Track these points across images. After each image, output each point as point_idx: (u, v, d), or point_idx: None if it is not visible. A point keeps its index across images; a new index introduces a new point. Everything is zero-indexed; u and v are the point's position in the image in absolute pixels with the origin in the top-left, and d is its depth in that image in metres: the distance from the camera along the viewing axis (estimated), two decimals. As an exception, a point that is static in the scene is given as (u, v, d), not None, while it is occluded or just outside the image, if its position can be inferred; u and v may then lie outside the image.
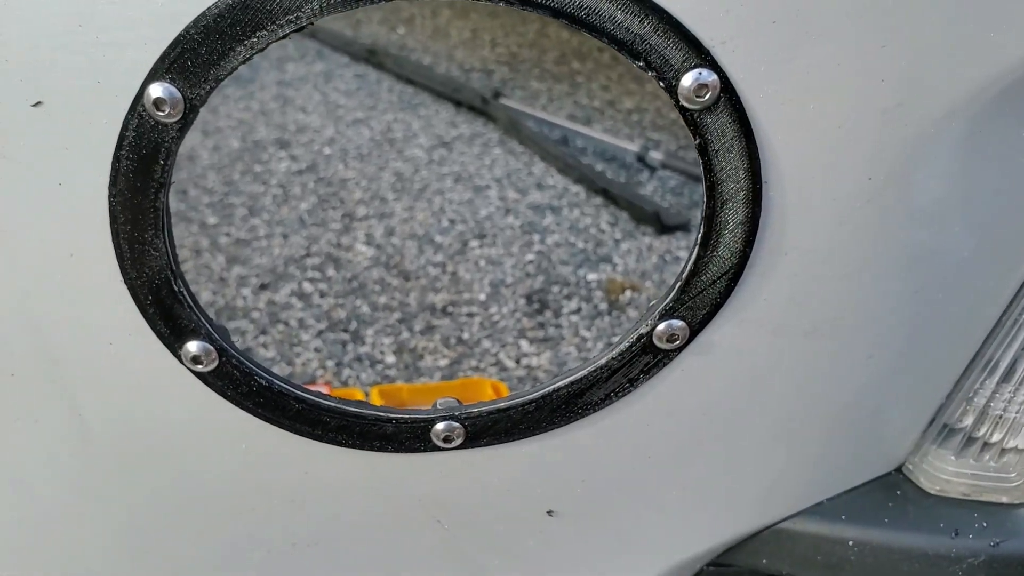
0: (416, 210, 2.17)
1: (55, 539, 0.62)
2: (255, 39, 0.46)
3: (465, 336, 1.74)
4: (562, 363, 1.71)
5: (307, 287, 1.85)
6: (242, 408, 0.55)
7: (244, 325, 1.73)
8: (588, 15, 0.45)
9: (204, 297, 1.80)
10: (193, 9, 0.45)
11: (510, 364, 1.69)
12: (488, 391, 1.48)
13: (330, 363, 1.66)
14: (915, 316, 0.57)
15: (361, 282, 1.88)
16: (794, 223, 0.51)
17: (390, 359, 1.67)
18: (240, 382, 0.54)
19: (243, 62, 0.47)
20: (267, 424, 0.56)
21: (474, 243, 2.05)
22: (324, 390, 1.55)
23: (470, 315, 1.81)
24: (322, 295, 1.82)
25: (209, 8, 0.45)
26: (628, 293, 1.90)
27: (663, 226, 2.06)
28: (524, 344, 1.76)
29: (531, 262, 2.02)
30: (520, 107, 2.63)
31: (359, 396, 1.44)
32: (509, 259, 2.01)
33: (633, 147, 2.36)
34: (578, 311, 1.86)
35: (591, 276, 1.97)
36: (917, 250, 0.54)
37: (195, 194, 2.20)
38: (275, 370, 1.64)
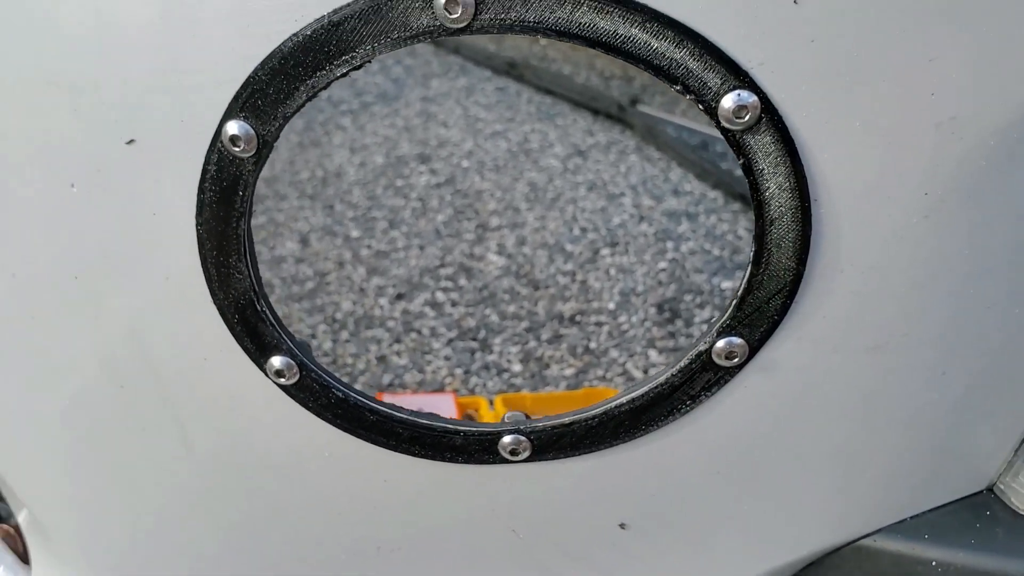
0: (548, 219, 2.20)
1: (161, 540, 0.67)
2: (316, 79, 0.49)
3: (592, 345, 1.75)
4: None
5: (440, 296, 1.91)
6: (322, 419, 0.59)
7: (380, 334, 1.79)
8: (624, 43, 0.46)
9: (344, 307, 1.88)
10: (261, 51, 0.49)
11: (637, 374, 1.69)
12: (611, 401, 1.49)
13: (458, 371, 1.70)
14: (992, 330, 0.56)
15: (491, 291, 1.92)
16: (849, 240, 0.51)
17: (516, 367, 1.70)
18: (320, 395, 0.58)
19: (308, 100, 0.50)
20: (346, 434, 0.59)
21: (605, 251, 2.06)
22: (450, 398, 1.60)
23: (598, 324, 1.82)
24: (453, 304, 1.88)
25: (275, 50, 0.49)
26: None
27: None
28: (653, 354, 1.76)
29: (664, 270, 2.01)
30: (658, 113, 2.62)
31: (483, 404, 1.48)
32: (641, 267, 2.01)
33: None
34: (710, 320, 1.84)
35: (726, 284, 1.95)
36: (985, 263, 0.53)
37: (340, 209, 2.30)
38: (406, 377, 1.71)
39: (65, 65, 0.52)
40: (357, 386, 0.69)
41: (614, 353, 1.76)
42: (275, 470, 0.62)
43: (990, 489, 0.64)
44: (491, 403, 1.52)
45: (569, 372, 1.70)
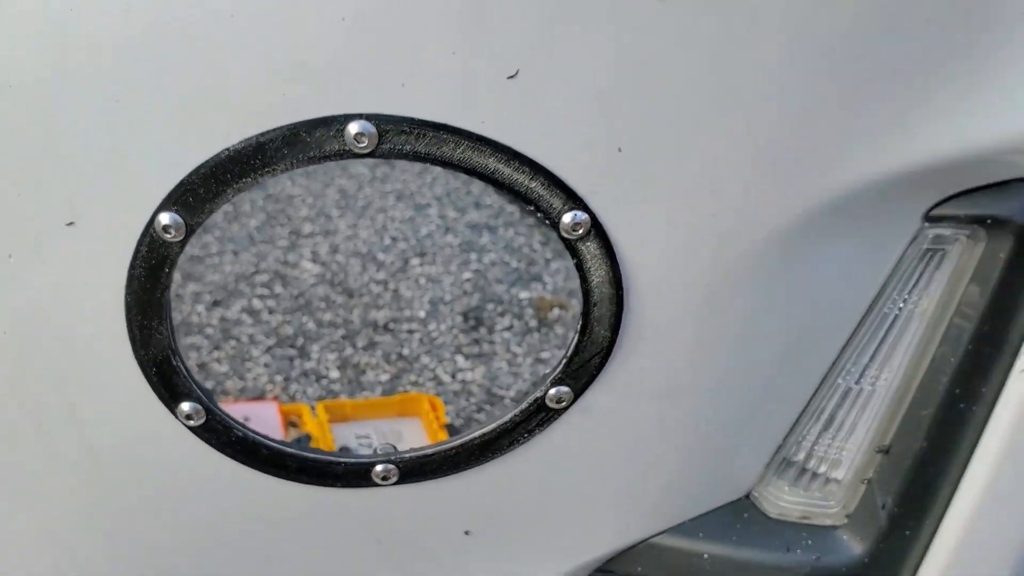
0: (360, 227, 2.31)
1: (71, 559, 0.77)
2: (241, 184, 0.61)
3: (405, 352, 1.89)
4: (494, 377, 1.87)
5: (256, 304, 1.99)
6: (224, 454, 0.70)
7: (199, 341, 1.86)
8: (494, 174, 0.60)
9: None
10: (197, 159, 0.60)
11: (447, 379, 1.84)
12: (425, 406, 1.64)
13: (278, 378, 1.80)
14: (751, 383, 0.74)
15: (307, 299, 2.02)
16: (651, 318, 0.67)
17: (334, 374, 1.81)
18: (222, 434, 0.69)
19: (232, 198, 0.62)
20: (244, 466, 0.71)
21: (415, 261, 2.20)
22: (274, 407, 1.69)
23: (410, 331, 1.96)
24: (271, 311, 1.96)
25: (209, 159, 0.60)
26: (556, 311, 2.06)
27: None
28: (460, 359, 1.92)
29: (468, 280, 2.17)
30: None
31: (306, 411, 1.59)
32: (448, 277, 2.16)
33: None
34: (510, 328, 2.02)
35: (523, 294, 2.12)
36: (751, 338, 0.71)
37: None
38: (227, 384, 1.78)
39: (16, 154, 0.61)
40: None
41: (425, 359, 1.90)
42: (180, 500, 0.73)
43: (747, 496, 0.83)
44: (313, 410, 1.63)
45: (384, 378, 1.83)
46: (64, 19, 0.57)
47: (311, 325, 1.95)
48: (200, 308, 1.98)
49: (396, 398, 1.74)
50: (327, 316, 1.97)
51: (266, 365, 1.83)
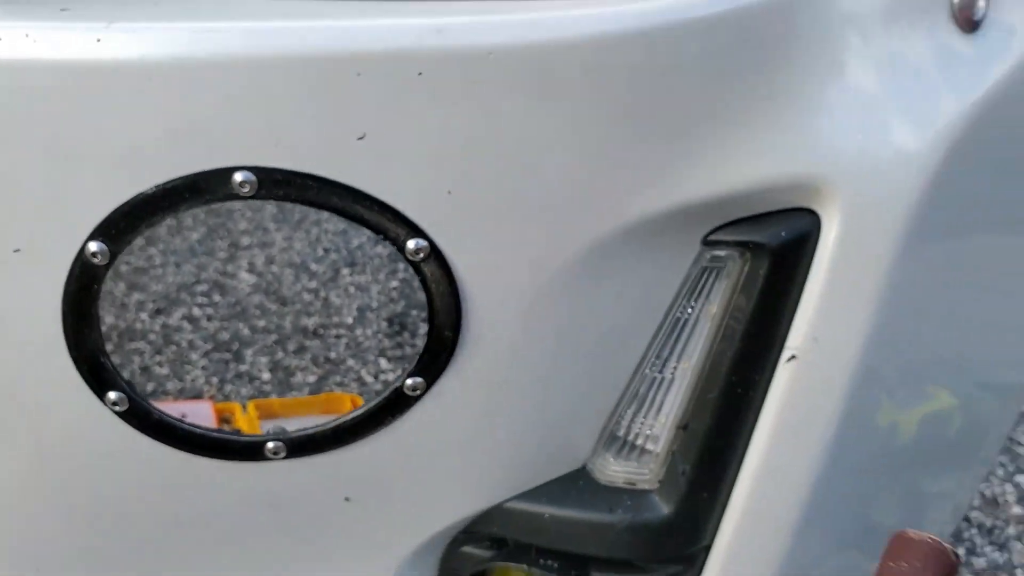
0: (295, 240, 2.47)
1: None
2: (153, 220, 0.78)
3: (332, 355, 2.06)
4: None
5: (196, 311, 2.14)
6: (147, 435, 0.87)
7: (142, 346, 2.01)
8: (346, 210, 0.78)
9: (108, 321, 2.07)
10: (119, 199, 0.77)
11: (369, 379, 2.01)
12: (347, 404, 1.82)
13: (215, 379, 1.95)
14: (575, 373, 0.92)
15: (243, 307, 2.18)
16: (486, 322, 0.85)
17: (266, 376, 1.98)
18: (143, 418, 0.86)
19: (147, 231, 0.79)
20: (163, 444, 0.88)
21: (345, 271, 2.37)
22: (208, 405, 1.86)
23: (338, 336, 2.12)
24: (209, 319, 2.12)
25: (127, 200, 0.77)
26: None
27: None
28: (383, 362, 2.09)
29: (395, 288, 2.34)
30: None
31: (238, 409, 1.76)
32: (376, 285, 2.33)
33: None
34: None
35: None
36: (570, 337, 0.89)
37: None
38: (168, 386, 1.94)
39: (-29, 200, 0.77)
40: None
41: (351, 362, 2.07)
42: (107, 475, 0.90)
43: (584, 467, 1.01)
44: (244, 408, 1.79)
45: (312, 379, 1.99)
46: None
47: (246, 331, 2.11)
48: (144, 316, 2.13)
49: (321, 397, 1.91)
50: (261, 323, 2.14)
51: (203, 368, 1.99)
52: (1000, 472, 2.08)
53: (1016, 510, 1.98)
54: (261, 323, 2.11)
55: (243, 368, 1.97)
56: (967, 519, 1.93)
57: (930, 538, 0.45)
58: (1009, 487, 2.04)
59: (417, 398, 0.88)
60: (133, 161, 0.76)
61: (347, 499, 0.95)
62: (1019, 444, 2.17)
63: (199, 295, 2.18)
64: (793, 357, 0.90)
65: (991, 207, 0.97)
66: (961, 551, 1.88)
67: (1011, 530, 1.93)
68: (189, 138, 0.76)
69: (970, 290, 1.03)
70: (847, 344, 0.90)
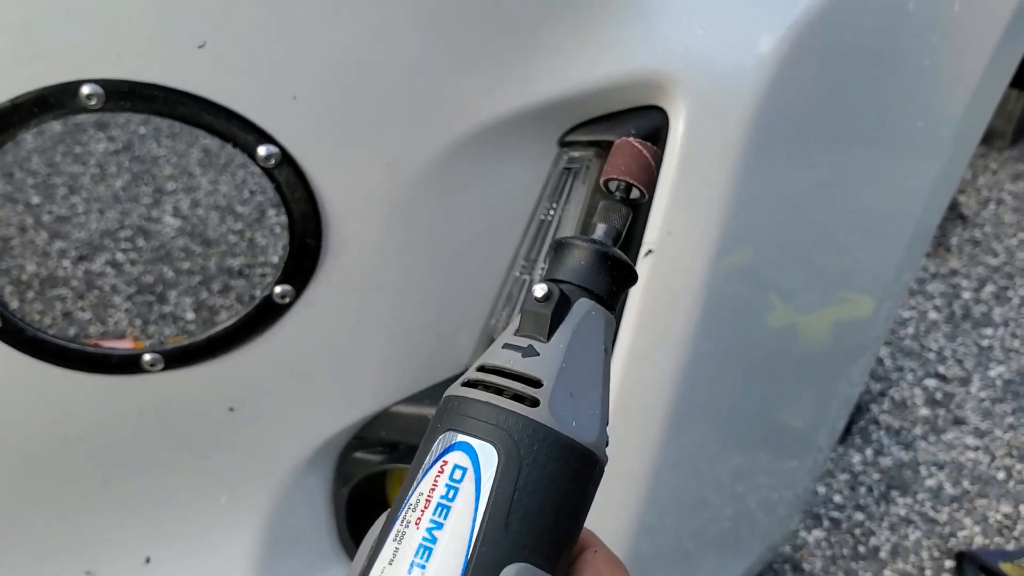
0: (221, 183, 2.47)
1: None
2: (11, 133, 0.79)
3: (257, 293, 2.07)
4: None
5: (120, 257, 2.14)
6: (23, 352, 0.89)
7: (64, 292, 2.01)
8: (194, 118, 0.80)
9: (29, 269, 2.07)
10: (-34, 118, 0.78)
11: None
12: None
13: (138, 321, 1.97)
14: (447, 277, 0.95)
15: (168, 250, 2.19)
16: (348, 228, 0.88)
17: (190, 316, 1.99)
18: (16, 335, 0.88)
19: (5, 143, 0.80)
20: (39, 360, 0.90)
21: (271, 211, 2.37)
22: (130, 343, 1.87)
23: (263, 276, 2.14)
24: (133, 263, 2.12)
25: (-24, 118, 0.78)
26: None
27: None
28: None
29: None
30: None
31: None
32: (303, 225, 2.33)
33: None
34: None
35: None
36: (437, 242, 0.92)
37: (20, 176, 2.44)
38: (91, 329, 1.95)
39: None
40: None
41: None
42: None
43: (463, 372, 1.05)
44: (167, 346, 1.80)
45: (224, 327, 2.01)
46: None
47: (170, 274, 2.12)
48: (66, 263, 2.13)
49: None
50: (186, 265, 2.14)
51: (127, 311, 2.00)
52: (909, 376, 2.15)
53: (923, 411, 2.05)
54: (186, 265, 2.12)
55: (167, 309, 1.99)
56: (876, 421, 2.00)
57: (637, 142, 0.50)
58: (918, 390, 2.11)
59: (287, 306, 0.91)
60: (-20, 78, 0.78)
61: (231, 409, 0.98)
62: (928, 350, 2.25)
63: (123, 240, 2.18)
64: (650, 252, 0.93)
65: (836, 100, 1.00)
66: (869, 452, 1.95)
67: (917, 430, 2.00)
68: (36, 53, 0.77)
69: (821, 189, 1.07)
70: (701, 237, 0.93)
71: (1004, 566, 1.67)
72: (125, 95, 0.78)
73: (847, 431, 2.00)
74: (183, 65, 0.78)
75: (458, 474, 0.43)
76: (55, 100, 0.78)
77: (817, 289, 1.16)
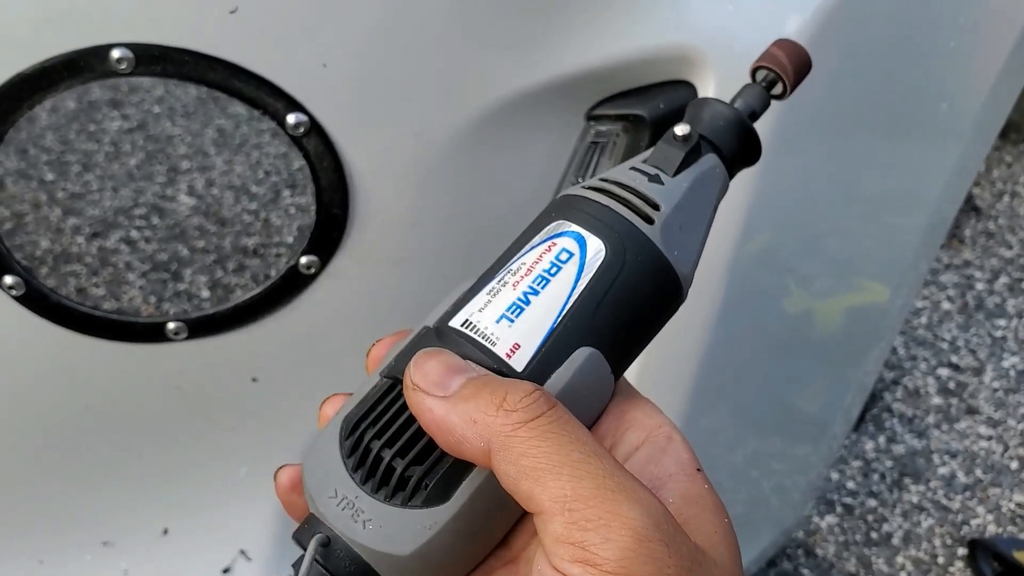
0: (235, 163, 2.46)
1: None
2: (33, 100, 0.79)
3: (271, 273, 2.07)
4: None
5: (134, 234, 2.14)
6: (45, 319, 0.89)
7: (78, 268, 2.01)
8: (224, 84, 0.79)
9: (43, 245, 2.07)
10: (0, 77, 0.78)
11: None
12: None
13: (152, 298, 1.96)
14: (466, 256, 0.95)
15: (182, 228, 2.18)
16: (374, 199, 0.88)
17: (205, 294, 1.99)
18: (40, 301, 0.88)
19: (28, 111, 0.80)
20: (61, 327, 0.90)
21: (286, 192, 2.37)
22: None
23: (277, 255, 2.13)
24: (147, 241, 2.12)
25: (9, 79, 0.78)
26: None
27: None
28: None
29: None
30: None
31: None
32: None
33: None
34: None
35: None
36: (461, 215, 0.92)
37: (34, 153, 2.44)
38: (104, 306, 1.95)
39: None
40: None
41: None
42: (13, 362, 0.92)
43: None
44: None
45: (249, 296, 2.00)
46: None
47: (185, 252, 2.11)
48: (80, 239, 2.13)
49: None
50: (200, 244, 2.14)
51: (141, 288, 2.00)
52: (923, 366, 2.14)
53: (936, 400, 2.05)
54: (200, 244, 2.12)
55: (182, 287, 1.99)
56: (889, 409, 2.00)
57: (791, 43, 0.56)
58: (931, 379, 2.11)
59: (313, 276, 0.91)
60: (10, 41, 0.77)
61: (254, 380, 0.98)
62: (942, 340, 2.24)
63: (138, 219, 2.18)
64: (676, 227, 0.93)
65: (859, 83, 1.00)
66: (882, 439, 1.95)
67: (930, 419, 2.00)
68: (66, 17, 0.77)
69: (840, 174, 1.06)
70: (724, 219, 0.93)
71: (1018, 554, 1.67)
72: (156, 59, 0.78)
73: (860, 419, 2.00)
74: (214, 30, 0.78)
75: (564, 256, 0.46)
76: (85, 64, 0.78)
77: (833, 275, 1.15)
